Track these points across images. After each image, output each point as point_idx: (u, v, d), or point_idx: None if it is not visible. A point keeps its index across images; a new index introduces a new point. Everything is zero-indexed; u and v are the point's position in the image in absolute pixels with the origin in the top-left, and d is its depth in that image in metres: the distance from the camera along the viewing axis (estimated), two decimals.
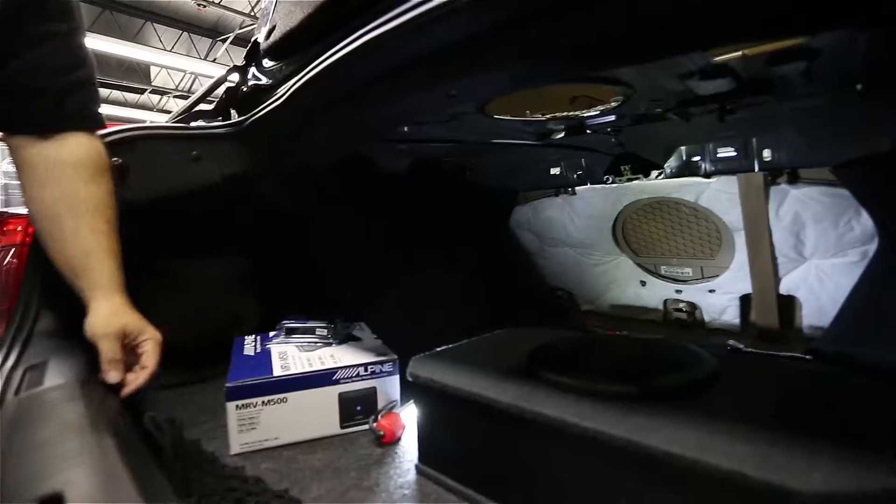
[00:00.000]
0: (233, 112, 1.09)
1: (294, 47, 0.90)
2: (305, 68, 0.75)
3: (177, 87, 11.70)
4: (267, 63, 1.04)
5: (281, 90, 0.85)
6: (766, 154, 0.99)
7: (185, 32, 9.98)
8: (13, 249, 2.40)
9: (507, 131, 1.03)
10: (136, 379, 0.68)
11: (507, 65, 0.53)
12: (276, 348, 0.91)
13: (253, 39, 1.11)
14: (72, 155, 0.70)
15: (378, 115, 0.78)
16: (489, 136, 1.07)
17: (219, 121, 1.06)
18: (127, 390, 0.67)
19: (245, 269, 1.14)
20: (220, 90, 1.13)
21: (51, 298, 0.78)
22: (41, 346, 0.70)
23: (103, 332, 0.67)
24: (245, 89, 1.07)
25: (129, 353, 0.69)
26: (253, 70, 1.08)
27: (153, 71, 10.95)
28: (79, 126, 0.72)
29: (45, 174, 0.69)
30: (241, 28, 9.75)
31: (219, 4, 9.02)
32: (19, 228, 2.48)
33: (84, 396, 0.55)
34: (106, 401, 0.55)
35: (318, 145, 0.95)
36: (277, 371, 0.79)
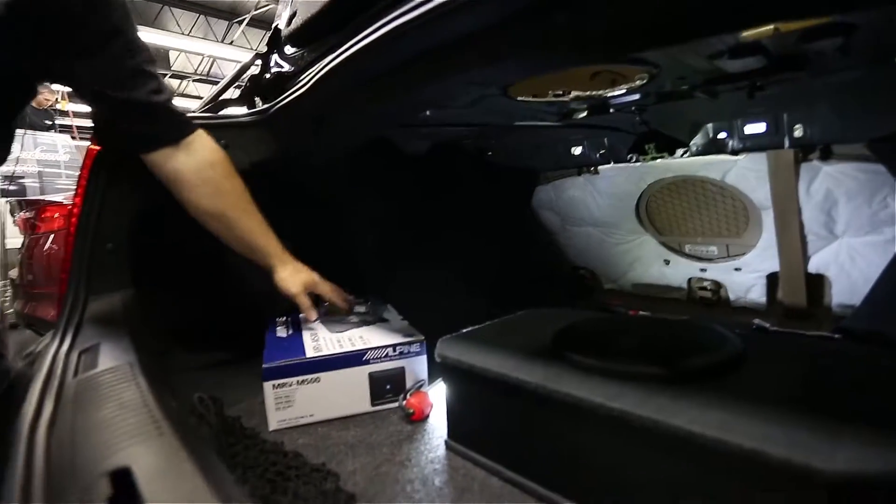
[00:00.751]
0: (257, 99, 1.11)
1: (316, 34, 0.90)
2: (328, 55, 0.76)
3: (195, 70, 11.77)
4: (289, 50, 1.05)
5: (304, 78, 0.87)
6: (798, 130, 0.96)
7: (201, 15, 9.99)
8: (52, 236, 2.49)
9: (529, 112, 1.02)
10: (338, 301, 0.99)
11: (534, 50, 0.52)
12: (307, 329, 0.94)
13: (274, 26, 1.12)
14: (204, 156, 0.84)
15: (402, 102, 0.78)
16: (511, 117, 1.06)
17: (245, 108, 1.08)
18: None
19: None
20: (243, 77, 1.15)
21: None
22: (92, 331, 0.74)
23: (294, 291, 0.93)
24: (268, 76, 1.09)
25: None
26: (275, 57, 1.09)
27: (172, 55, 11.03)
28: (193, 128, 0.83)
29: (193, 181, 0.82)
30: (256, 9, 9.70)
31: None
32: (56, 215, 2.57)
33: (136, 378, 0.58)
34: (156, 382, 0.59)
35: (341, 131, 0.97)
36: (310, 352, 0.82)
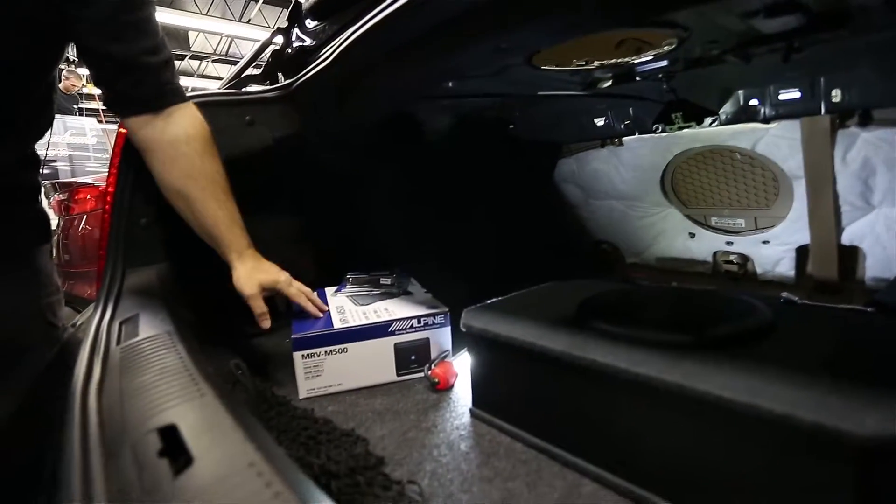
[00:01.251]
0: (279, 75, 1.11)
1: (337, 5, 0.90)
2: (350, 27, 0.76)
3: (214, 51, 11.80)
4: (310, 23, 1.05)
5: (326, 50, 0.86)
6: (835, 94, 0.92)
7: None
8: (85, 217, 2.58)
9: (552, 82, 1.00)
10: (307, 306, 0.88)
11: (562, 12, 0.51)
12: (332, 301, 0.96)
13: (294, 0, 1.11)
14: (183, 130, 0.77)
15: (426, 72, 0.78)
16: (534, 88, 1.05)
17: (267, 84, 1.09)
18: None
19: (300, 227, 1.19)
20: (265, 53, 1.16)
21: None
22: (130, 302, 0.78)
23: (248, 292, 0.83)
24: (290, 51, 1.09)
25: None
26: (296, 31, 1.09)
27: (191, 36, 11.08)
28: (179, 98, 0.78)
29: (165, 153, 0.77)
30: None
31: None
32: (88, 197, 2.65)
33: (175, 345, 0.61)
34: (193, 349, 0.61)
35: (364, 104, 0.97)
36: (337, 324, 0.85)
